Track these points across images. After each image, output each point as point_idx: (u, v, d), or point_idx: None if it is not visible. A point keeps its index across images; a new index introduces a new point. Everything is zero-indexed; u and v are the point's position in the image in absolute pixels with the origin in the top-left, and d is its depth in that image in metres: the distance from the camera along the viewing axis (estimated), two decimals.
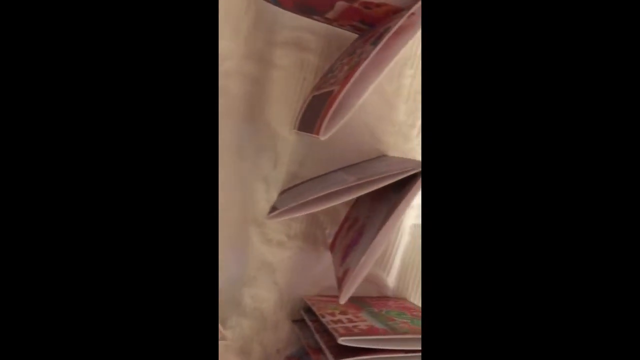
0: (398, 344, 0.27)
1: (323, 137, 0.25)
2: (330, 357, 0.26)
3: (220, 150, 0.36)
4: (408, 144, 0.39)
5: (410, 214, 0.40)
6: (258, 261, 0.38)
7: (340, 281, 0.28)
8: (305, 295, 0.39)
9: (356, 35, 0.37)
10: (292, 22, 0.36)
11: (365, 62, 0.24)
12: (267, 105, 0.37)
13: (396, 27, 0.24)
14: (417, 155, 0.40)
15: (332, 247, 0.38)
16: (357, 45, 0.32)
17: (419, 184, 0.26)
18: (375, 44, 0.26)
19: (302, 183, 0.37)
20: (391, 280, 0.41)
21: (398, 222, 0.27)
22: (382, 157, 0.37)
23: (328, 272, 0.39)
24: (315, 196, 0.26)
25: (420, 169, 0.27)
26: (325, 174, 0.36)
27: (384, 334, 0.28)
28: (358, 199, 0.37)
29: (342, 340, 0.26)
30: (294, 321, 0.38)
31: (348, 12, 0.32)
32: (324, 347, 0.28)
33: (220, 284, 0.37)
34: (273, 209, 0.29)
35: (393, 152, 0.39)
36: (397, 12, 0.28)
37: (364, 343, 0.26)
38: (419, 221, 0.41)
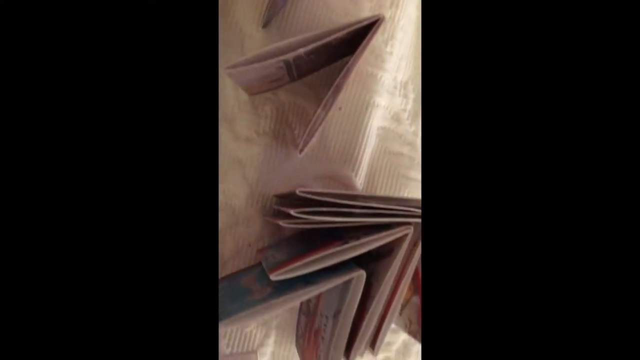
0: (359, 200, 0.29)
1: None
2: (289, 210, 0.28)
3: None
4: (373, 42, 0.40)
5: (377, 115, 0.41)
6: (228, 157, 0.39)
7: (299, 140, 0.28)
8: (276, 193, 0.40)
9: None
10: None
11: None
12: (233, 5, 0.37)
13: None
14: (383, 53, 0.41)
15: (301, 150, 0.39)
16: None
17: (371, 34, 0.26)
18: None
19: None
20: (359, 181, 0.42)
21: (355, 67, 0.28)
22: None
23: (298, 170, 0.41)
24: (274, 47, 0.26)
25: (375, 19, 0.27)
26: None
27: (343, 191, 0.29)
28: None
29: (299, 191, 0.27)
30: (268, 214, 0.39)
31: None
32: (285, 209, 0.29)
33: None
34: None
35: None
36: None
37: (322, 197, 0.28)
38: (387, 124, 0.42)
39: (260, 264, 0.38)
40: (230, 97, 0.38)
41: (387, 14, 0.40)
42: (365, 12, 0.39)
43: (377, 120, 0.42)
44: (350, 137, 0.41)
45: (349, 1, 0.39)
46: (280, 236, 0.40)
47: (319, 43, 0.27)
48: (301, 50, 0.27)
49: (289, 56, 0.27)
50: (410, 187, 0.44)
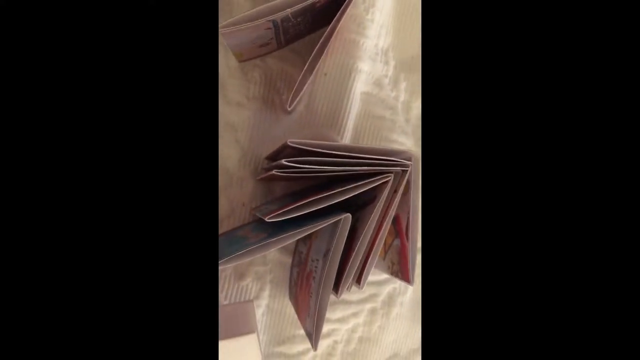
0: (345, 150, 0.31)
1: None
2: (282, 161, 0.30)
3: None
4: (355, 10, 0.42)
5: (360, 79, 0.44)
6: (220, 121, 0.41)
7: (287, 98, 0.31)
8: (267, 155, 0.42)
9: None
10: None
11: None
12: None
13: None
14: (364, 21, 0.43)
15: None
16: None
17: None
18: None
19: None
20: (344, 143, 0.45)
21: (333, 36, 0.30)
22: None
23: (287, 133, 0.43)
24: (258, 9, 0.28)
25: None
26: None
27: (332, 143, 0.32)
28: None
29: (290, 142, 0.30)
30: (260, 175, 0.42)
31: None
32: (278, 162, 0.32)
33: None
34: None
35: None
36: None
37: (311, 148, 0.30)
38: (369, 89, 0.45)
39: (254, 220, 0.41)
40: (222, 64, 0.40)
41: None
42: None
43: (360, 85, 0.44)
44: (335, 102, 0.44)
45: None
46: (272, 196, 0.43)
47: (305, 4, 0.29)
48: (288, 11, 0.29)
49: (277, 16, 0.29)
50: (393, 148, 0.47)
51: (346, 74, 0.43)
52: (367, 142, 0.46)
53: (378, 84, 0.46)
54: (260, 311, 0.44)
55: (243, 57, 0.39)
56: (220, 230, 0.42)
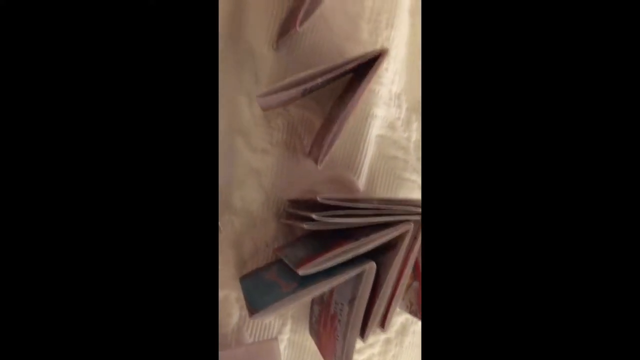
0: (369, 203, 0.34)
1: (299, 29, 0.30)
2: (311, 214, 0.32)
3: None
4: None
5: (376, 124, 0.47)
6: (245, 167, 0.43)
7: (316, 156, 0.33)
8: (289, 198, 0.44)
9: None
10: None
11: None
12: (246, 25, 0.41)
13: None
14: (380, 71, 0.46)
15: (310, 153, 0.44)
16: None
17: (378, 63, 0.31)
18: None
19: None
20: (361, 183, 0.48)
21: (361, 96, 0.32)
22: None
23: (307, 176, 0.45)
24: (292, 79, 0.31)
25: (378, 53, 0.32)
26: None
27: (356, 196, 0.34)
28: (331, 106, 0.43)
29: (320, 198, 0.32)
30: (283, 217, 0.44)
31: None
32: (306, 213, 0.34)
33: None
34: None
35: None
36: None
37: (339, 202, 0.33)
38: (383, 132, 0.47)
39: (277, 260, 0.43)
40: (246, 112, 0.42)
41: (384, 34, 0.45)
42: (364, 34, 0.44)
43: (375, 129, 0.47)
44: (352, 146, 0.46)
45: (348, 24, 0.44)
46: (292, 236, 0.45)
47: (335, 73, 0.31)
48: (319, 80, 0.31)
49: (309, 85, 0.32)
50: (406, 186, 0.50)
51: (363, 120, 0.46)
52: (381, 181, 0.49)
53: (391, 126, 0.48)
54: (282, 345, 0.46)
55: (268, 109, 0.42)
56: (245, 271, 0.44)
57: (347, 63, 0.32)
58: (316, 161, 0.35)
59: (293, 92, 0.33)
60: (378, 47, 0.45)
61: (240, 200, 0.43)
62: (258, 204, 0.44)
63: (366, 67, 0.33)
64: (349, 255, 0.33)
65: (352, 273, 0.33)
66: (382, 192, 0.49)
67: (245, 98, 0.42)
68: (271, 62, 0.42)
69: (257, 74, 0.42)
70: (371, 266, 0.34)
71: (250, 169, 0.43)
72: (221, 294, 0.44)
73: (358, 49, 0.44)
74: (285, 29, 0.35)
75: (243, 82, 0.42)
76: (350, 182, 0.48)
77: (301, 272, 0.31)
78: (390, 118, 0.48)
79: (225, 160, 0.43)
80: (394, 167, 0.49)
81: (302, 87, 0.32)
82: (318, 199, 0.32)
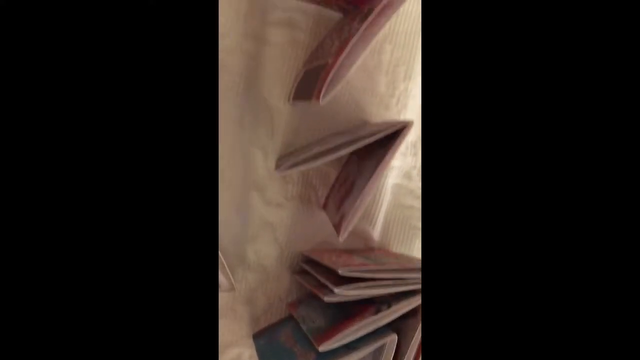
0: (389, 273, 0.33)
1: (322, 103, 0.29)
2: (332, 286, 0.32)
3: (222, 121, 0.39)
4: (388, 112, 0.44)
5: (392, 174, 0.46)
6: (260, 221, 0.42)
7: (338, 225, 0.33)
8: (303, 250, 0.44)
9: (341, 15, 0.41)
10: (284, 3, 0.40)
11: (355, 38, 0.29)
12: (262, 80, 0.41)
13: (380, 7, 0.29)
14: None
15: (325, 205, 0.43)
16: (344, 23, 0.36)
17: (402, 137, 0.31)
18: (362, 21, 0.30)
19: (298, 151, 0.41)
20: (376, 233, 0.47)
21: (386, 170, 0.32)
22: (366, 124, 0.42)
23: (322, 228, 0.44)
24: (313, 152, 0.30)
25: (403, 125, 0.32)
26: (320, 140, 0.41)
27: (377, 267, 0.33)
28: (347, 160, 0.42)
29: (342, 271, 0.31)
30: (295, 272, 0.43)
31: None
32: (325, 282, 0.33)
33: (227, 243, 0.42)
34: (278, 166, 0.33)
35: (375, 120, 0.44)
36: None
37: (360, 274, 0.32)
38: (399, 181, 0.47)
39: (291, 317, 0.42)
40: (261, 166, 0.42)
41: (401, 87, 0.44)
42: (382, 87, 0.43)
43: (391, 179, 0.46)
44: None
45: (366, 77, 0.43)
46: (307, 290, 0.44)
47: (359, 145, 0.31)
48: (343, 152, 0.31)
49: (333, 157, 0.31)
50: (420, 237, 0.49)
51: None
52: (396, 231, 0.48)
53: (407, 175, 0.47)
54: None
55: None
56: (258, 327, 0.43)
57: (371, 135, 0.31)
58: (337, 231, 0.34)
59: (314, 164, 0.32)
60: (394, 100, 0.45)
61: (255, 254, 0.43)
62: (272, 258, 0.43)
63: (390, 137, 0.32)
64: (370, 328, 0.32)
65: (373, 346, 0.32)
66: (397, 242, 0.48)
67: (261, 152, 0.42)
68: (286, 116, 0.42)
69: (273, 128, 0.42)
70: (392, 339, 0.33)
71: (265, 223, 0.42)
72: (233, 352, 0.43)
73: (375, 102, 0.43)
74: (304, 91, 0.34)
75: (258, 136, 0.41)
76: (365, 232, 0.47)
77: (322, 348, 0.30)
78: (406, 167, 0.47)
79: (240, 214, 0.42)
80: (409, 217, 0.48)
81: (329, 158, 0.31)
82: (339, 272, 0.31)
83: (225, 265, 0.39)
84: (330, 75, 0.29)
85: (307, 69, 0.38)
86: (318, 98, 0.29)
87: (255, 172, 0.42)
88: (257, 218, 0.42)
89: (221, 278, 0.39)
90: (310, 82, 0.34)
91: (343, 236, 0.33)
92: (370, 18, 0.29)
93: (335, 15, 0.41)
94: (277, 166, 0.31)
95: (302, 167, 0.32)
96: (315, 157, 0.31)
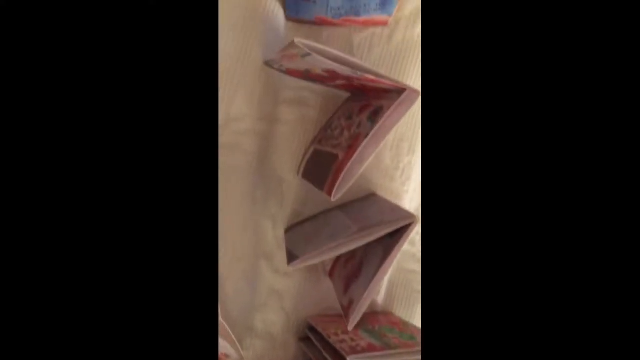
0: (394, 357, 0.34)
1: (334, 199, 0.31)
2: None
3: (237, 199, 0.41)
4: (393, 184, 0.46)
5: None
6: (268, 289, 0.44)
7: (347, 310, 0.34)
8: (309, 316, 0.45)
9: (348, 94, 0.43)
10: (295, 83, 0.42)
11: (365, 141, 0.31)
12: (274, 156, 0.42)
13: (390, 111, 0.31)
14: (401, 192, 0.47)
15: (331, 274, 0.44)
16: (352, 110, 0.39)
17: (409, 233, 0.33)
18: (371, 120, 0.32)
19: (306, 221, 0.43)
20: (381, 298, 0.48)
21: (392, 262, 0.34)
22: (372, 196, 0.44)
23: (327, 295, 0.46)
24: (326, 248, 0.32)
25: (410, 221, 0.34)
26: (326, 212, 0.43)
27: (381, 350, 0.34)
28: None
29: (350, 358, 0.32)
30: (301, 339, 0.44)
31: (345, 85, 0.38)
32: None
33: (236, 311, 0.43)
34: (290, 255, 0.35)
35: (380, 191, 0.46)
36: (388, 91, 0.35)
37: (367, 359, 0.33)
38: (403, 247, 0.48)
39: None
40: (270, 235, 0.43)
41: (405, 160, 0.46)
42: (387, 160, 0.45)
43: None
44: None
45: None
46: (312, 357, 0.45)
47: (368, 239, 0.32)
48: (352, 246, 0.32)
49: (345, 249, 0.33)
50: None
51: None
52: (399, 294, 0.49)
53: (412, 242, 0.49)
54: None
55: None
56: None
57: (381, 229, 0.33)
58: (345, 315, 0.35)
59: (326, 256, 0.34)
60: (399, 172, 0.47)
61: (262, 322, 0.43)
62: (279, 326, 0.44)
63: (397, 232, 0.34)
64: None
65: None
66: (401, 306, 0.49)
67: (270, 222, 0.43)
68: (296, 188, 0.43)
69: (283, 199, 0.43)
70: None
71: (273, 291, 0.44)
72: None
73: (381, 174, 0.45)
74: (314, 174, 0.36)
75: (269, 207, 0.43)
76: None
77: None
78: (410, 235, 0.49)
79: (248, 283, 0.43)
80: (412, 280, 0.49)
81: (336, 253, 0.33)
82: (348, 359, 0.32)
83: (234, 338, 0.40)
84: (342, 174, 0.31)
85: (317, 148, 0.40)
86: (330, 194, 0.31)
87: (264, 241, 0.43)
88: (265, 287, 0.43)
89: (230, 349, 0.40)
90: (320, 167, 0.36)
91: (352, 325, 0.34)
92: (380, 121, 0.31)
93: (343, 93, 0.43)
94: (290, 260, 0.33)
95: (315, 261, 0.34)
96: (327, 252, 0.33)
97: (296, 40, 0.27)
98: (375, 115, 0.33)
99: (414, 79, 0.45)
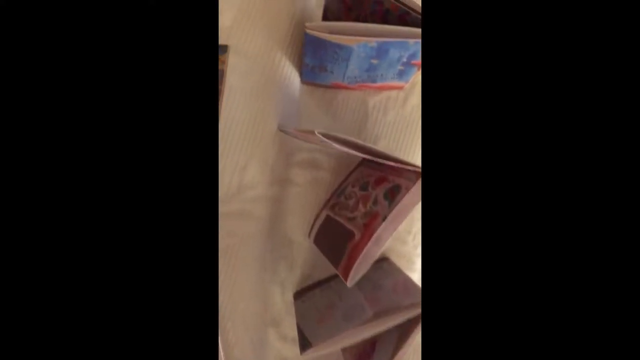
0: None
1: (350, 285, 0.30)
2: None
3: (248, 266, 0.40)
4: (405, 247, 0.45)
5: None
6: (275, 357, 0.42)
7: None
8: None
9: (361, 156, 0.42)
10: (308, 144, 0.41)
11: (384, 224, 0.30)
12: (285, 218, 0.42)
13: (409, 195, 0.30)
14: (413, 256, 0.46)
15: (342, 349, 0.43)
16: (367, 179, 0.38)
17: (420, 325, 0.32)
18: (389, 200, 0.32)
19: (316, 287, 0.41)
20: None
21: (407, 350, 0.33)
22: (385, 263, 0.43)
23: None
24: (341, 336, 0.31)
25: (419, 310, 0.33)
26: (337, 280, 0.41)
27: None
28: None
29: None
30: None
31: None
32: None
33: None
34: (303, 339, 0.33)
35: (392, 255, 0.45)
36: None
37: None
38: None
39: None
40: (279, 301, 0.42)
41: (418, 224, 0.45)
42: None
43: None
44: None
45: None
46: None
47: (379, 330, 0.31)
48: (367, 333, 0.31)
49: (358, 338, 0.32)
50: None
51: None
52: None
53: None
54: None
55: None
56: None
57: (397, 316, 0.32)
58: None
59: (340, 345, 0.32)
60: (410, 237, 0.46)
61: None
62: None
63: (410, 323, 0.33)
64: None
65: None
66: None
67: (279, 287, 0.42)
68: (306, 250, 0.42)
69: (293, 262, 0.42)
70: None
71: (280, 359, 0.42)
72: None
73: (393, 239, 0.44)
74: (326, 245, 0.35)
75: (278, 271, 0.42)
76: None
77: None
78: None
79: (257, 351, 0.42)
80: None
81: (350, 340, 0.31)
82: None
83: None
84: (360, 258, 0.30)
85: (330, 215, 0.39)
86: (346, 278, 0.30)
87: (272, 308, 0.42)
88: (273, 354, 0.42)
89: None
90: (333, 238, 0.35)
91: None
92: (399, 204, 0.30)
93: (356, 155, 0.43)
94: (303, 348, 0.31)
95: (328, 350, 0.32)
96: (341, 340, 0.32)
97: (317, 132, 0.26)
98: (393, 195, 0.32)
99: None
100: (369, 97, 0.42)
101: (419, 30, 0.29)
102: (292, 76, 0.40)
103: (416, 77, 0.42)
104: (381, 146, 0.43)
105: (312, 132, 0.26)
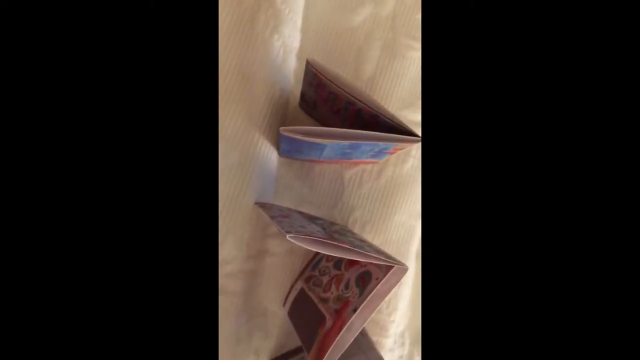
0: None
1: None
2: None
3: (222, 342, 0.40)
4: (379, 315, 0.46)
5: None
6: None
7: None
8: None
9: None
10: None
11: (354, 315, 0.31)
12: (260, 288, 0.42)
13: (380, 285, 0.31)
14: (387, 323, 0.46)
15: None
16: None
17: None
18: (360, 288, 0.33)
19: (291, 356, 0.42)
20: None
21: None
22: (360, 335, 0.43)
23: None
24: None
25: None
26: None
27: None
28: None
29: None
30: None
31: None
32: None
33: None
34: None
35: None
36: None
37: None
38: None
39: None
40: None
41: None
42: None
43: None
44: None
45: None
46: None
47: None
48: None
49: None
50: None
51: None
52: None
53: None
54: None
55: None
56: None
57: None
58: None
59: None
60: (385, 305, 0.47)
61: None
62: None
63: None
64: None
65: None
66: None
67: (253, 356, 0.42)
68: (281, 319, 0.43)
69: (267, 332, 0.42)
70: None
71: None
72: None
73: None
74: (300, 320, 0.36)
75: (252, 343, 0.42)
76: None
77: None
78: (394, 358, 0.49)
79: None
80: None
81: None
82: None
83: None
84: (332, 347, 0.31)
85: (304, 289, 0.40)
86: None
87: None
88: None
89: None
90: (306, 318, 0.36)
91: None
92: (369, 295, 0.31)
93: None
94: None
95: None
96: None
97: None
98: (364, 283, 0.33)
99: (402, 213, 0.46)
100: (345, 170, 0.44)
101: (390, 136, 0.31)
102: (270, 153, 0.41)
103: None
104: (356, 217, 0.45)
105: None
